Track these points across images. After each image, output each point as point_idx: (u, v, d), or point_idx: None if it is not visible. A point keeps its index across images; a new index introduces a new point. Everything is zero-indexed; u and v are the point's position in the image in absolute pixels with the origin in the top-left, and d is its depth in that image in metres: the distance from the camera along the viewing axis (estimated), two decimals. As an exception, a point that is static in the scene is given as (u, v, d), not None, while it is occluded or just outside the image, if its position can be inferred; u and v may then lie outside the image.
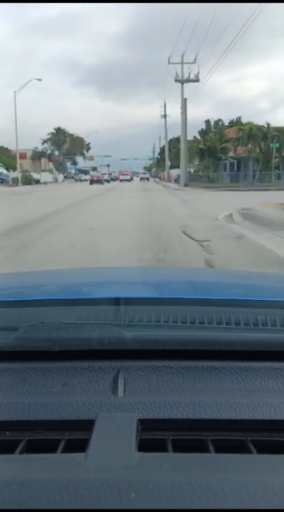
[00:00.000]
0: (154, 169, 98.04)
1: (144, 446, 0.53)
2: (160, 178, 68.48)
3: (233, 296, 1.07)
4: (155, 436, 0.57)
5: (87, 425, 0.56)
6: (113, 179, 64.63)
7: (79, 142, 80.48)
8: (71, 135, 79.26)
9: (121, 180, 59.27)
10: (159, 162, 79.92)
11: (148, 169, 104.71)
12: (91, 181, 48.41)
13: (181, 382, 0.66)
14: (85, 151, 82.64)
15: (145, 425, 0.57)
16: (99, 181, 48.39)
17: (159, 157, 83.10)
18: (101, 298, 0.98)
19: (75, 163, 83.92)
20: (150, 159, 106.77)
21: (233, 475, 0.47)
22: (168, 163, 59.29)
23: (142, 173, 72.73)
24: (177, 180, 43.68)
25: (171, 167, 58.35)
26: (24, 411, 0.60)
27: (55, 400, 0.62)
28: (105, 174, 60.35)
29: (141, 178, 63.34)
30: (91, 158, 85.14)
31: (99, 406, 0.60)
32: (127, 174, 64.08)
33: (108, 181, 55.53)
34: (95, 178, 49.45)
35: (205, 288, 1.27)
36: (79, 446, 0.53)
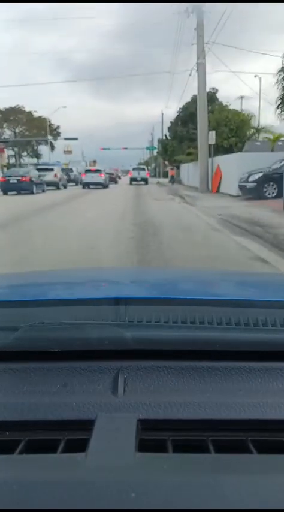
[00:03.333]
0: (153, 165, 65.94)
1: (144, 446, 0.53)
2: (173, 177, 33.83)
3: (233, 296, 1.07)
4: (155, 436, 0.57)
5: (87, 425, 0.56)
6: (75, 180, 34.13)
7: (40, 124, 51.19)
8: (28, 113, 52.53)
9: (85, 185, 28.35)
10: (166, 150, 41.25)
11: (145, 164, 64.40)
12: (4, 187, 21.77)
13: (181, 383, 0.66)
14: (51, 139, 52.99)
15: (145, 425, 0.57)
16: (20, 186, 21.25)
17: (169, 135, 41.49)
18: (101, 298, 0.98)
19: (37, 155, 55.22)
20: (148, 148, 68.40)
21: (233, 475, 0.47)
22: (210, 136, 19.70)
23: (135, 169, 38.32)
24: (255, 190, 13.40)
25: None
26: (24, 411, 0.60)
27: (55, 400, 0.62)
28: (50, 170, 26.95)
29: (133, 180, 35.11)
30: (69, 151, 58.92)
31: (99, 406, 0.60)
32: (98, 172, 29.70)
33: (55, 185, 26.14)
34: (13, 180, 21.48)
35: (205, 288, 1.27)
36: (79, 446, 0.53)
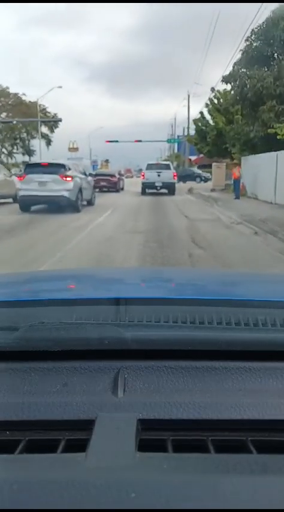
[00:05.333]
0: (175, 164, 40.60)
1: (144, 446, 0.53)
2: (238, 182, 16.59)
3: (233, 296, 1.07)
4: (155, 436, 0.57)
5: (87, 425, 0.56)
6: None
7: (29, 110, 37.85)
8: (15, 96, 39.90)
9: (24, 206, 11.73)
10: (205, 136, 25.15)
11: (169, 160, 44.94)
12: None
13: (181, 382, 0.66)
14: (46, 129, 41.18)
15: (145, 425, 0.57)
16: None
17: (209, 111, 24.64)
18: (101, 298, 0.98)
19: (29, 152, 41.24)
20: (170, 140, 49.97)
21: (233, 475, 0.47)
22: None
23: (151, 166, 20.85)
24: None
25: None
26: (24, 411, 0.60)
27: (55, 400, 0.62)
28: None
29: (147, 186, 20.09)
30: (74, 148, 47.93)
31: (99, 406, 0.60)
32: (55, 171, 11.31)
33: None
34: None
35: (205, 288, 1.27)
36: (79, 446, 0.53)
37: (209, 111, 25.35)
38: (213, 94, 24.59)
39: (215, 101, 24.70)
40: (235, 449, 0.55)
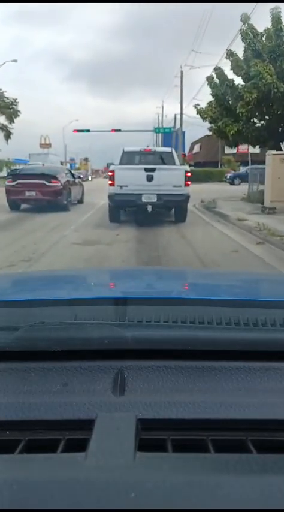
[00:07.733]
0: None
1: (144, 446, 0.53)
2: None
3: (233, 296, 1.07)
4: (155, 436, 0.57)
5: (87, 425, 0.56)
6: None
7: None
8: None
9: None
10: (230, 105, 11.56)
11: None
12: None
13: (181, 382, 0.66)
14: (4, 118, 32.44)
15: (145, 425, 0.57)
16: None
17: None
18: (101, 298, 0.99)
19: None
20: (158, 130, 36.53)
21: (233, 475, 0.47)
22: None
23: (130, 156, 8.93)
24: None
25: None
26: (24, 411, 0.60)
27: (55, 400, 0.62)
28: None
29: (121, 202, 8.05)
30: (46, 144, 44.03)
31: (99, 406, 0.60)
32: None
33: None
34: None
35: (205, 288, 1.27)
36: (79, 446, 0.53)
37: (235, 63, 13.34)
38: (246, 26, 12.80)
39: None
40: (235, 449, 0.55)
